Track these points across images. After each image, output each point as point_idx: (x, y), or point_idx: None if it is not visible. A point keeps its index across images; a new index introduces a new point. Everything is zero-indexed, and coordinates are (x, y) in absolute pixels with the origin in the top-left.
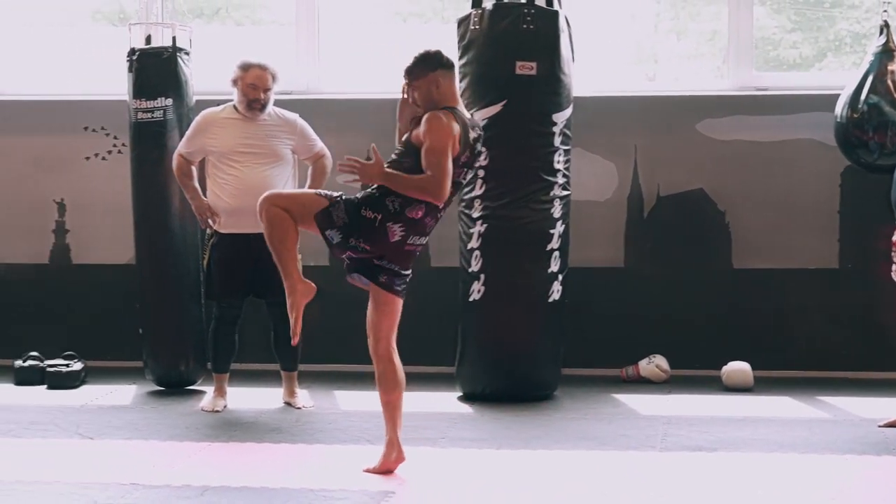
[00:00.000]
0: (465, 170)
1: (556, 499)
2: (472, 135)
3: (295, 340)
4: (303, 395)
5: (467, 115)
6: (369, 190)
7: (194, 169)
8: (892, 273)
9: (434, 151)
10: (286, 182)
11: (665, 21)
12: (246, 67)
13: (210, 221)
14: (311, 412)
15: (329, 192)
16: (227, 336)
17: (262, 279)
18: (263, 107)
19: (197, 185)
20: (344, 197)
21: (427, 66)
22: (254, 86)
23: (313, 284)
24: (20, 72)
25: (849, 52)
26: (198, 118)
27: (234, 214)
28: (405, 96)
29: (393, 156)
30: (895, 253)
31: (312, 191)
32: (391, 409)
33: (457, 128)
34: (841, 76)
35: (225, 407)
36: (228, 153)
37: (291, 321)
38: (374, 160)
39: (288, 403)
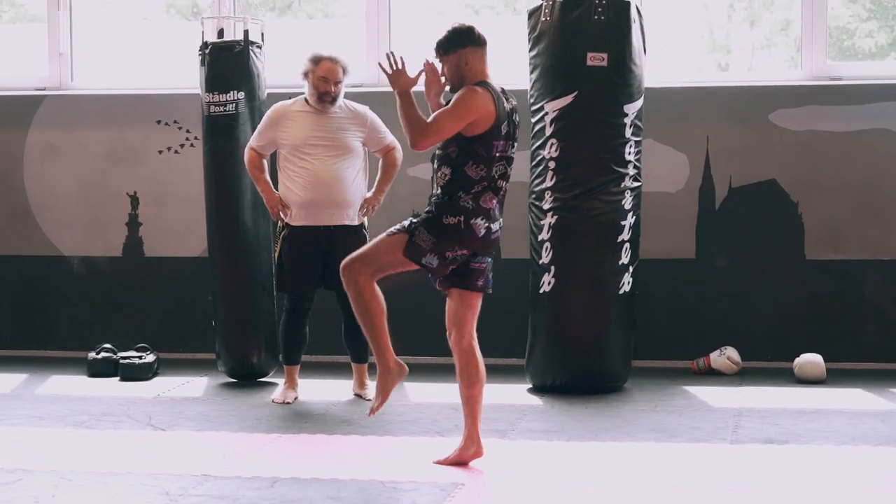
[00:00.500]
0: (510, 142)
1: (627, 491)
2: (507, 106)
3: (371, 415)
4: (373, 387)
5: (498, 87)
6: (436, 199)
7: (266, 162)
8: None
9: (446, 112)
10: (357, 175)
11: (738, 10)
12: (317, 60)
13: (281, 214)
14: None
15: (401, 225)
16: (297, 328)
17: (332, 271)
18: (334, 100)
19: (268, 178)
20: (416, 221)
21: (459, 42)
22: (325, 79)
23: (406, 366)
24: (95, 66)
25: None
26: (269, 111)
27: (306, 207)
28: (428, 73)
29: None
30: None
31: (384, 235)
32: (472, 403)
33: (490, 103)
34: None
35: (296, 399)
36: (300, 146)
37: (376, 403)
38: (414, 79)
39: (358, 395)
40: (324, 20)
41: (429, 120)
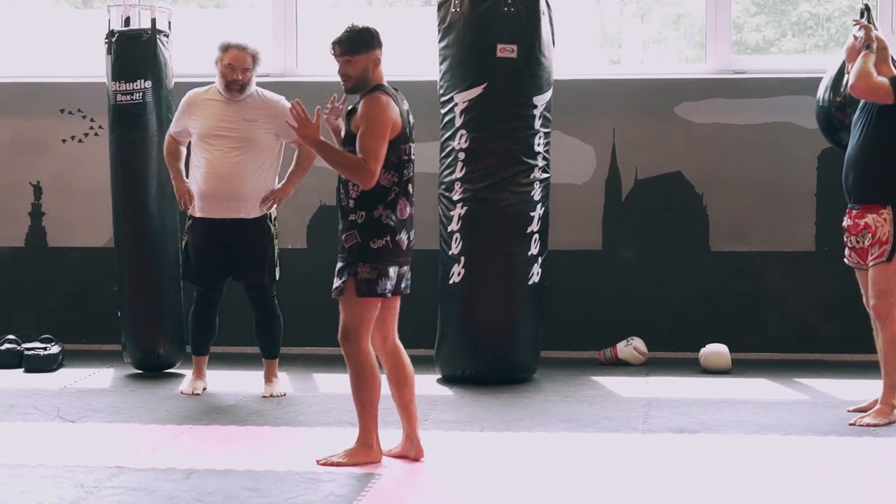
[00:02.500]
0: (410, 144)
1: (543, 481)
2: (405, 106)
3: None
4: (279, 383)
5: (391, 87)
6: (354, 219)
7: (183, 149)
8: (846, 258)
9: (371, 135)
10: (261, 168)
11: (630, 4)
12: (225, 48)
13: (187, 204)
14: (292, 396)
15: (340, 269)
16: (205, 319)
17: (237, 263)
18: (242, 88)
19: (182, 166)
20: (351, 255)
21: (369, 43)
22: (231, 66)
23: (382, 456)
24: None
25: (811, 34)
26: (184, 98)
27: (204, 199)
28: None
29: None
30: (846, 238)
31: (342, 298)
32: (406, 404)
33: (396, 109)
34: (818, 60)
35: (204, 389)
36: (204, 136)
37: (335, 459)
38: (316, 123)
39: (267, 396)
40: (218, 10)
41: (358, 153)
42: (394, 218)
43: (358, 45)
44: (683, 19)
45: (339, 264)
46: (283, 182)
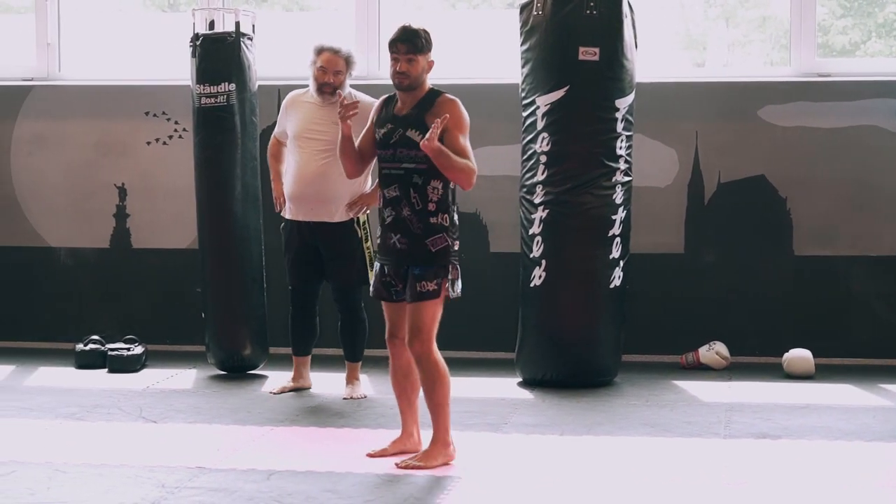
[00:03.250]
0: None
1: (624, 486)
2: None
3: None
4: (357, 387)
5: None
6: (439, 225)
7: (285, 150)
8: None
9: (465, 137)
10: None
11: (714, 7)
12: (318, 51)
13: (281, 206)
14: (372, 398)
15: (428, 272)
16: (300, 320)
17: (326, 265)
18: (334, 90)
19: (281, 168)
20: (441, 257)
21: (431, 44)
22: (323, 69)
23: (454, 456)
24: (82, 56)
25: None
26: (285, 99)
27: (292, 201)
28: (343, 99)
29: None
30: None
31: (424, 304)
32: (413, 401)
33: None
34: None
35: (307, 389)
36: (296, 137)
37: (414, 462)
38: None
39: (347, 398)
40: (302, 13)
41: (464, 156)
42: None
43: (423, 44)
44: (769, 22)
45: (424, 267)
46: (373, 186)
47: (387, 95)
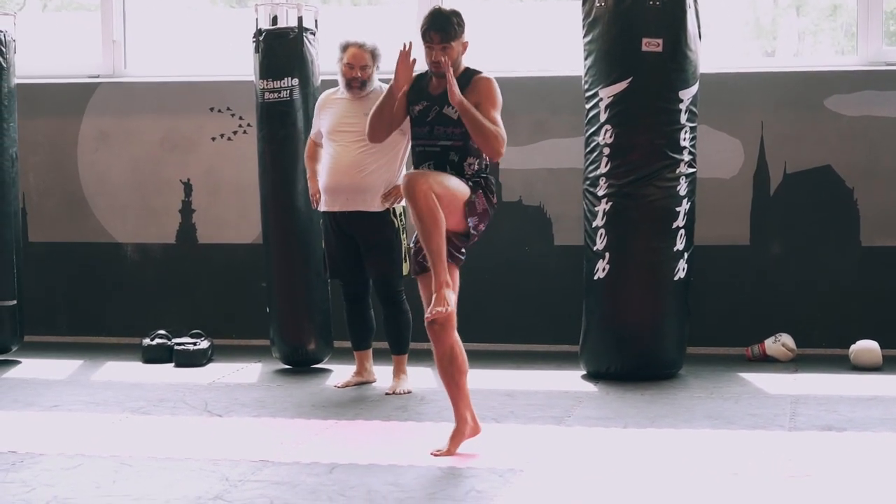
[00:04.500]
0: None
1: (687, 478)
2: None
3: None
4: (403, 381)
5: None
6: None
7: (321, 151)
8: None
9: (496, 112)
10: (382, 164)
11: None
12: (344, 47)
13: (317, 203)
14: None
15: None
16: (355, 314)
17: (365, 256)
18: (363, 85)
19: (318, 167)
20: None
21: (463, 26)
22: (350, 65)
23: (480, 427)
24: (148, 54)
25: None
26: (318, 100)
27: (326, 192)
28: (405, 51)
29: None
30: None
31: (446, 286)
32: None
33: None
34: None
35: (372, 383)
36: (329, 132)
37: (444, 451)
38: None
39: (390, 394)
40: (371, 7)
41: (493, 124)
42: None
43: (455, 31)
44: (839, 10)
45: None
46: None
47: (419, 72)
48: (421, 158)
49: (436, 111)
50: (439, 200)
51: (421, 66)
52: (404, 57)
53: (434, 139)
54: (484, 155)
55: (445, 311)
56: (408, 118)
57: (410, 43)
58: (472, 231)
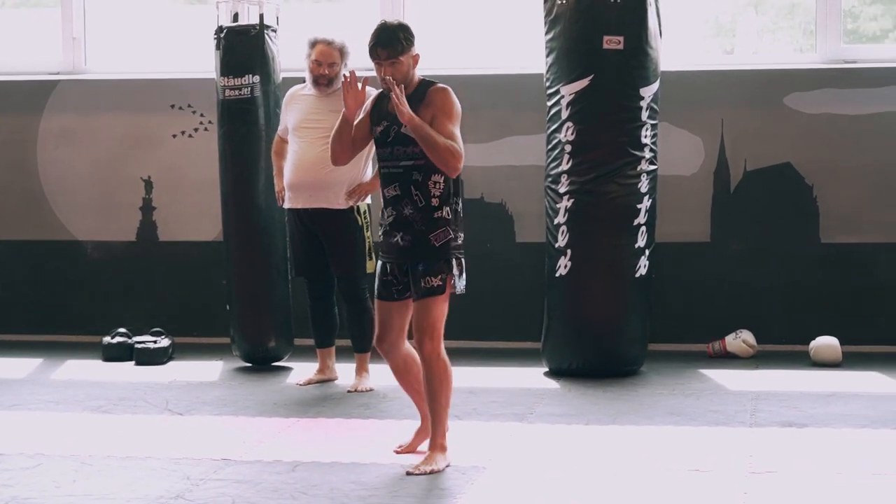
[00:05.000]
0: None
1: (648, 475)
2: None
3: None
4: (365, 379)
5: None
6: (441, 218)
7: (287, 148)
8: None
9: (452, 124)
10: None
11: None
12: (312, 44)
13: (280, 199)
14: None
15: (434, 268)
16: (318, 311)
17: (328, 254)
18: (330, 82)
19: (284, 164)
20: (445, 252)
21: (412, 39)
22: (318, 62)
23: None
24: (108, 51)
25: None
26: (285, 96)
27: (291, 189)
28: (349, 80)
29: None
30: None
31: (429, 300)
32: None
33: None
34: None
35: (333, 380)
36: (295, 128)
37: (405, 447)
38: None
39: (353, 391)
40: (331, 4)
41: (447, 139)
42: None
43: (403, 46)
44: (798, 8)
45: (428, 263)
46: (373, 174)
47: (381, 91)
48: (386, 180)
49: (395, 131)
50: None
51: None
52: (347, 85)
53: (395, 160)
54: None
55: (427, 473)
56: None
57: (352, 72)
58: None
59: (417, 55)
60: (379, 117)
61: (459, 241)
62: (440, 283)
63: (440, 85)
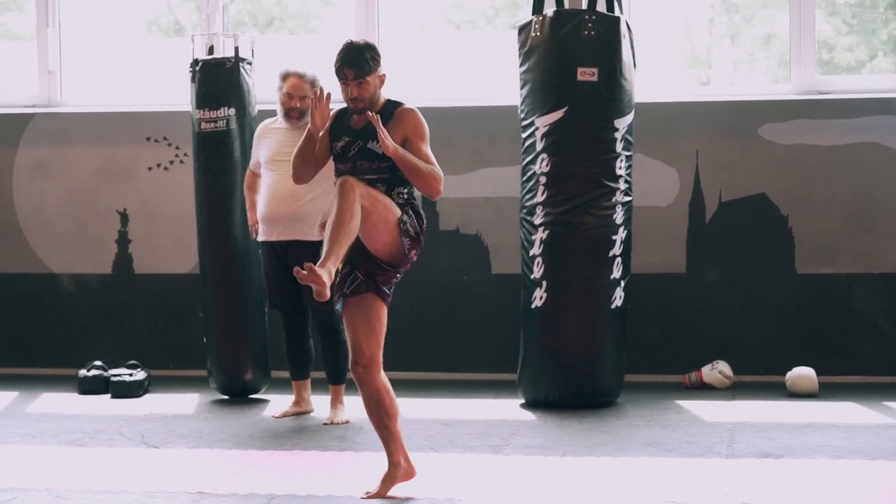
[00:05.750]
0: None
1: None
2: None
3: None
4: (340, 411)
5: None
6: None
7: (259, 181)
8: None
9: (427, 146)
10: (319, 193)
11: (719, 25)
12: (284, 76)
13: (253, 233)
14: (357, 422)
15: (380, 291)
16: (294, 343)
17: (302, 286)
18: (301, 115)
19: (256, 198)
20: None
21: (378, 58)
22: (290, 94)
23: (415, 470)
24: (84, 84)
25: None
26: (256, 130)
27: (264, 222)
28: (317, 96)
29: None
30: None
31: (364, 314)
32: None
33: None
34: None
35: (308, 413)
36: (267, 161)
37: (374, 491)
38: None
39: (329, 424)
40: (308, 36)
41: (428, 163)
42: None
43: (370, 66)
44: (773, 40)
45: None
46: None
47: (341, 107)
48: None
49: (359, 146)
50: (367, 216)
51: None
52: (316, 101)
53: (359, 174)
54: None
55: (381, 493)
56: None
57: (321, 89)
58: (407, 252)
59: (384, 75)
60: (339, 133)
61: (416, 220)
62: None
63: (407, 106)
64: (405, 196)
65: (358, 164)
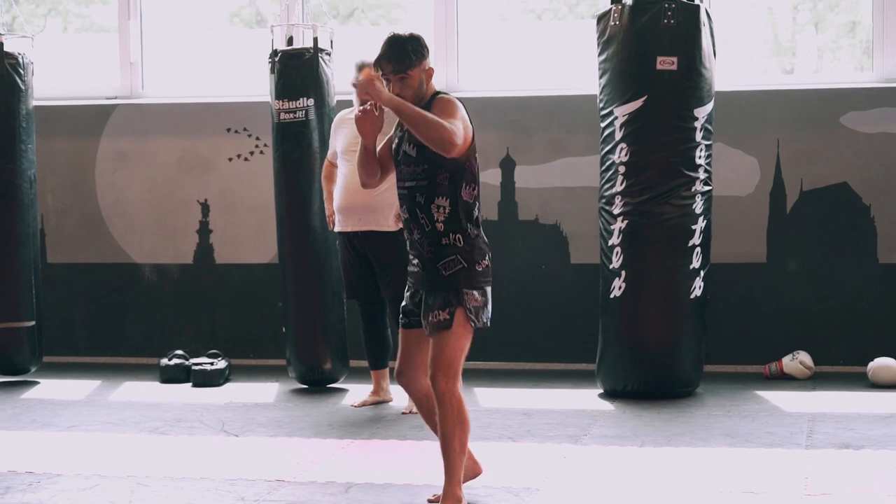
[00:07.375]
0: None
1: (702, 497)
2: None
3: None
4: (389, 391)
5: None
6: (451, 245)
7: (337, 172)
8: None
9: (450, 115)
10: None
11: (803, 12)
12: (360, 67)
13: (330, 223)
14: None
15: (442, 300)
16: (372, 334)
17: (378, 277)
18: (376, 105)
19: (333, 188)
20: (455, 282)
21: (423, 51)
22: None
23: (481, 468)
24: (165, 75)
25: None
26: (333, 120)
27: (340, 212)
28: (366, 107)
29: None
30: None
31: (444, 334)
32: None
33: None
34: None
35: (388, 402)
36: (343, 152)
37: (438, 496)
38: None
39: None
40: (390, 26)
41: (441, 119)
42: (485, 238)
43: (412, 60)
44: (858, 27)
45: (435, 295)
46: None
47: None
48: (399, 201)
49: (402, 149)
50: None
51: None
52: (359, 117)
53: (402, 180)
54: (462, 194)
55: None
56: None
57: (371, 103)
58: (488, 316)
59: (431, 69)
60: (396, 133)
61: (479, 270)
62: (447, 316)
63: (444, 95)
64: (447, 211)
65: (402, 169)
